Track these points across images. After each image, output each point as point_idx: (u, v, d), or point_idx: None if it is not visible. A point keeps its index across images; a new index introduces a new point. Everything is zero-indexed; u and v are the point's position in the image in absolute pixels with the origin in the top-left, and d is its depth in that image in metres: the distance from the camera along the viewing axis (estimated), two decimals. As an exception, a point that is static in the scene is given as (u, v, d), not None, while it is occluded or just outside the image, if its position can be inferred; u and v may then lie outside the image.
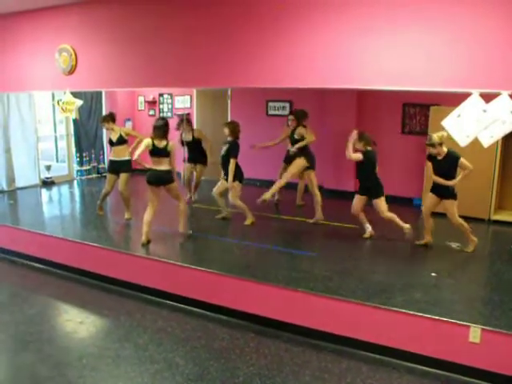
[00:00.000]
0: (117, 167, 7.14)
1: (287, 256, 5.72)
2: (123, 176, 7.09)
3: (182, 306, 5.15)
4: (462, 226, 5.90)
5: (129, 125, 11.58)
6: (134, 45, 5.47)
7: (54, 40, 6.07)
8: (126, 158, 7.10)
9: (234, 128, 6.90)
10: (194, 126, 10.62)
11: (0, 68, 6.76)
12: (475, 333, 3.80)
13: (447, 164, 5.64)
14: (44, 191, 9.81)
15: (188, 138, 7.97)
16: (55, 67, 6.07)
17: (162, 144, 5.78)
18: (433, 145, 5.54)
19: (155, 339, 4.46)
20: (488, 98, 3.72)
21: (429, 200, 6.10)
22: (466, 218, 7.25)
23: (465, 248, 5.92)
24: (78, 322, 4.86)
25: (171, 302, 5.22)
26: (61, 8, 5.94)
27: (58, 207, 8.93)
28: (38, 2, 5.85)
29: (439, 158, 5.68)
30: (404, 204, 8.28)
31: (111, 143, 7.16)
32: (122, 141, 7.06)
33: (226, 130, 6.90)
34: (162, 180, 5.88)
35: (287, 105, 9.62)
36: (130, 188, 7.27)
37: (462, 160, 5.57)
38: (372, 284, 4.81)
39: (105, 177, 11.09)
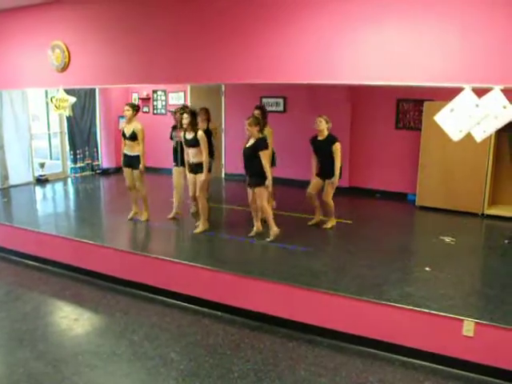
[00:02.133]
0: (130, 162, 6.83)
1: (282, 251, 5.72)
2: (136, 172, 6.80)
3: (177, 302, 5.15)
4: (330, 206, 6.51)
5: (123, 122, 11.54)
6: (127, 42, 5.46)
7: (46, 37, 6.04)
8: (136, 153, 6.75)
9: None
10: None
11: (-8, 65, 6.74)
12: (469, 326, 3.83)
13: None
14: (38, 189, 9.78)
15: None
16: (48, 64, 6.05)
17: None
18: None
19: (150, 335, 4.46)
20: (481, 92, 3.74)
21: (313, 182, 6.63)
22: (459, 213, 7.33)
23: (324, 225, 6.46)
24: (73, 319, 4.86)
25: (166, 299, 5.23)
26: (53, 4, 5.91)
27: (52, 205, 8.90)
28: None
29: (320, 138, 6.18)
30: (398, 199, 8.33)
31: (124, 136, 6.80)
32: (134, 136, 6.69)
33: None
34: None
35: (281, 101, 9.63)
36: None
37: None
38: (366, 279, 4.83)
39: (99, 174, 11.14)
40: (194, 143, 6.14)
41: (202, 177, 6.20)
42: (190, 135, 6.19)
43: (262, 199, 5.88)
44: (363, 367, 3.97)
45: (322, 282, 4.70)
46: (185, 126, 6.18)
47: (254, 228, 6.17)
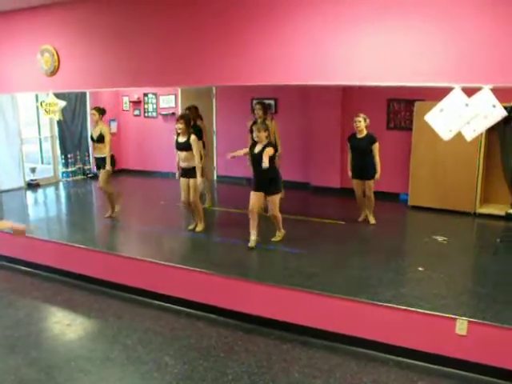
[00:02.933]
0: (99, 164, 7.15)
1: (275, 253, 5.72)
2: (103, 172, 7.07)
3: (171, 305, 5.13)
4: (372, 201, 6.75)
5: (114, 125, 11.53)
6: (117, 45, 5.44)
7: (35, 41, 6.00)
8: (105, 155, 7.03)
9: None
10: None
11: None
12: (462, 325, 3.83)
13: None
14: (29, 194, 9.73)
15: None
16: (37, 68, 6.01)
17: None
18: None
19: (144, 339, 4.44)
20: (470, 92, 3.75)
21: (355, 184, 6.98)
22: (451, 212, 7.36)
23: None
24: (65, 324, 4.83)
25: (159, 302, 5.20)
26: (42, 8, 5.87)
27: (43, 209, 8.86)
28: (18, 2, 5.78)
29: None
30: (390, 199, 8.34)
31: (92, 139, 7.19)
32: (101, 139, 7.01)
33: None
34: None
35: (272, 102, 9.62)
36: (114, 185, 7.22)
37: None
38: (359, 279, 4.83)
39: (91, 178, 11.10)
40: (187, 147, 6.17)
41: (196, 181, 6.25)
42: (182, 139, 6.20)
43: (276, 206, 5.86)
44: (357, 368, 3.97)
45: (315, 283, 4.69)
46: (179, 131, 6.22)
47: (253, 237, 5.83)
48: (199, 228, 6.54)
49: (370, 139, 6.69)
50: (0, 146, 9.43)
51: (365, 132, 6.73)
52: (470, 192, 7.41)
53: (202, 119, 7.73)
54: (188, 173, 6.29)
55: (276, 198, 5.86)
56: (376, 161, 6.68)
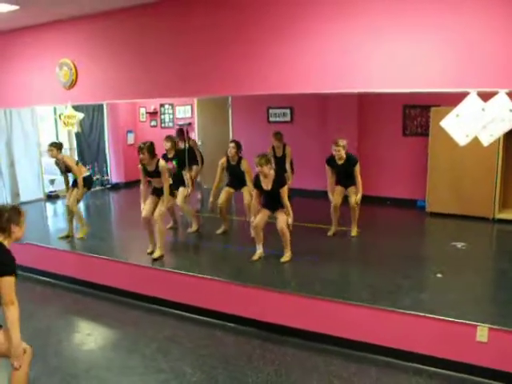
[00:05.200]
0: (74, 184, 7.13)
1: (291, 261, 5.71)
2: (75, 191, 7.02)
3: (189, 314, 5.15)
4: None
5: (131, 136, 11.64)
6: (133, 57, 5.51)
7: (54, 55, 6.11)
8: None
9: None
10: (196, 136, 10.72)
11: (2, 84, 6.81)
12: (482, 332, 3.79)
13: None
14: (48, 205, 9.84)
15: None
16: (56, 81, 6.11)
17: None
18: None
19: (162, 348, 4.46)
20: (486, 97, 3.73)
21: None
22: (470, 218, 7.29)
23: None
24: (85, 334, 4.88)
25: (178, 311, 5.22)
26: (61, 23, 5.98)
27: (62, 220, 8.94)
28: (38, 17, 5.89)
29: None
30: (408, 206, 8.29)
31: (61, 172, 7.20)
32: (69, 170, 7.01)
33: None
34: None
35: (288, 111, 9.65)
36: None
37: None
38: (377, 286, 4.80)
39: (108, 189, 11.20)
40: (157, 175, 5.88)
41: (162, 206, 5.92)
42: (151, 168, 5.89)
43: (285, 223, 5.60)
44: (377, 376, 3.94)
45: (333, 290, 4.68)
46: (143, 161, 5.88)
47: (258, 251, 5.79)
48: (156, 254, 5.87)
49: (352, 162, 6.48)
50: (20, 158, 9.55)
51: (344, 157, 6.47)
52: (488, 197, 7.34)
53: (190, 138, 8.27)
54: (160, 192, 5.98)
55: (283, 215, 5.66)
56: (358, 181, 6.46)
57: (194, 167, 7.83)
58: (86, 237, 6.96)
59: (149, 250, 6.05)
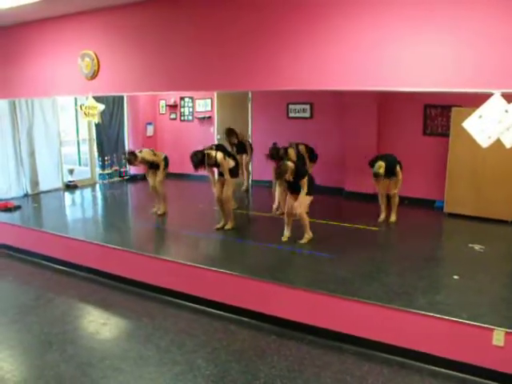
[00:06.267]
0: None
1: (307, 258, 5.71)
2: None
3: (204, 307, 5.18)
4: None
5: (151, 128, 11.70)
6: (155, 49, 5.52)
7: (76, 46, 6.15)
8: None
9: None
10: (215, 130, 10.76)
11: (24, 74, 6.88)
12: (499, 336, 3.76)
13: None
14: (67, 195, 9.94)
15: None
16: (78, 72, 6.16)
17: None
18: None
19: (177, 341, 4.49)
20: (510, 98, 3.68)
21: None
22: (488, 220, 7.22)
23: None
24: (100, 324, 4.93)
25: (193, 304, 5.26)
26: (83, 14, 6.02)
27: (80, 210, 9.04)
28: (61, 9, 5.94)
29: None
30: (426, 206, 8.23)
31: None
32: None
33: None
34: None
35: (308, 107, 9.62)
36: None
37: None
38: (393, 286, 4.78)
39: (126, 180, 11.29)
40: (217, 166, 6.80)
41: (228, 190, 6.79)
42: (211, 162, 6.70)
43: (304, 207, 6.09)
44: (390, 375, 3.93)
45: (348, 289, 4.67)
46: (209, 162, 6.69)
47: (286, 233, 6.27)
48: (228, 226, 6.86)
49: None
50: (40, 148, 9.66)
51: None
52: (508, 200, 7.24)
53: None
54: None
55: (306, 200, 6.04)
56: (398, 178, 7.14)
57: (244, 156, 9.33)
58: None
59: (219, 226, 6.85)
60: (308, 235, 6.17)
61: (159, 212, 7.74)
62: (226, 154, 6.95)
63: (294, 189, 6.15)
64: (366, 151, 8.34)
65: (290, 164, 6.05)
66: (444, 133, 8.14)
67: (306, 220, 6.15)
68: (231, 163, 6.86)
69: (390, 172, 7.06)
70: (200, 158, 6.59)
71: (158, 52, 5.52)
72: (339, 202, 8.91)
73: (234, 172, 6.96)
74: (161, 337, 4.57)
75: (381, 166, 6.88)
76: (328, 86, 4.56)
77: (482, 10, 3.71)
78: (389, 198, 7.31)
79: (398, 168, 7.07)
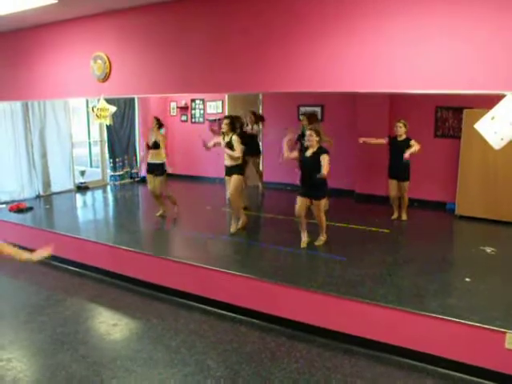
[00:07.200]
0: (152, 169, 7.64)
1: (318, 260, 5.70)
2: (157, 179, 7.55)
3: (214, 309, 5.18)
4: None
5: (161, 131, 11.71)
6: (167, 51, 5.55)
7: (88, 48, 6.19)
8: (160, 161, 7.54)
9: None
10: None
11: (37, 76, 6.93)
12: (511, 339, 3.73)
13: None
14: (78, 196, 10.00)
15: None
16: (90, 74, 6.20)
17: None
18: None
19: (187, 342, 4.50)
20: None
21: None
22: (500, 223, 7.17)
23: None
24: (111, 324, 4.95)
25: (203, 306, 5.26)
26: (95, 17, 6.06)
27: (92, 212, 9.09)
28: (75, 11, 5.98)
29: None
30: (437, 208, 8.19)
31: (148, 147, 7.64)
32: (156, 146, 7.56)
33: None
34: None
35: (319, 109, 9.60)
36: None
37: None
38: (404, 289, 4.76)
39: (137, 182, 11.33)
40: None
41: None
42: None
43: (321, 211, 6.03)
44: (401, 378, 3.91)
45: (359, 291, 4.65)
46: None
47: (304, 239, 6.12)
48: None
49: (408, 141, 7.24)
50: (52, 149, 9.73)
51: (404, 136, 7.31)
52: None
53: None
54: None
55: (321, 204, 5.97)
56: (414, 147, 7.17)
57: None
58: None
59: (232, 230, 6.78)
60: (323, 237, 6.18)
61: (164, 214, 7.76)
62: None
63: (309, 184, 5.85)
64: (377, 153, 8.31)
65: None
66: (455, 135, 8.10)
67: (324, 222, 6.12)
68: (239, 149, 6.56)
69: (401, 175, 7.30)
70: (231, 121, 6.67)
71: (169, 54, 5.54)
72: (350, 204, 8.88)
73: (241, 169, 6.80)
74: (171, 338, 4.58)
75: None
76: (342, 88, 4.55)
77: (494, 13, 3.69)
78: (400, 199, 7.50)
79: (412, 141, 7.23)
